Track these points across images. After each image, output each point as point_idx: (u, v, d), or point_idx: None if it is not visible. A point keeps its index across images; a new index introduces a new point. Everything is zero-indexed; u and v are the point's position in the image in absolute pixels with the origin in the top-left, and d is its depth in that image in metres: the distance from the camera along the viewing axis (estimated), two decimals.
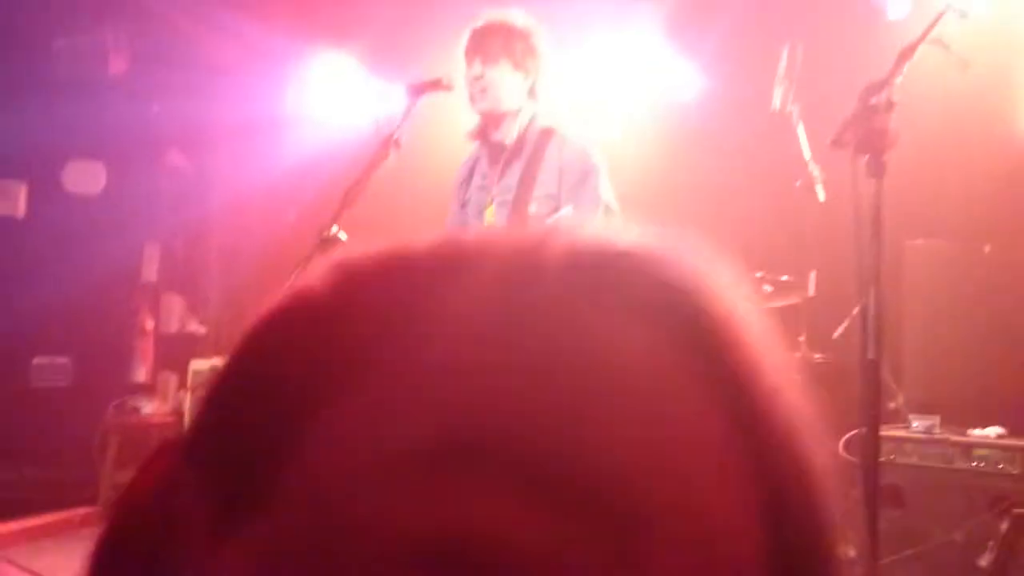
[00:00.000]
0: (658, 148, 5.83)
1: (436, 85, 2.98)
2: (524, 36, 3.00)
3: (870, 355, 1.60)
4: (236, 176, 6.64)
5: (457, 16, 5.51)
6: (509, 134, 2.99)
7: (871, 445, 1.61)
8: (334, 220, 2.74)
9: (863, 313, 1.69)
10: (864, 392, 1.62)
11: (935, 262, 4.45)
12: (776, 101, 4.29)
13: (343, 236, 2.73)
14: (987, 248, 4.51)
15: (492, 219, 2.94)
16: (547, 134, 2.96)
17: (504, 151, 2.99)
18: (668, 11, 5.44)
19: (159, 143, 6.38)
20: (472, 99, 2.97)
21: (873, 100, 1.67)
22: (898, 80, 1.71)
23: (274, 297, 0.39)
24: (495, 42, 2.98)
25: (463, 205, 3.12)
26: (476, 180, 3.09)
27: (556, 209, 2.82)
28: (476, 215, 3.03)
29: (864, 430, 2.69)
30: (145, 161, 6.26)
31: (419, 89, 2.94)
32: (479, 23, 3.03)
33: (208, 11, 5.97)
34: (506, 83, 2.95)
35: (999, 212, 4.83)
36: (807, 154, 4.23)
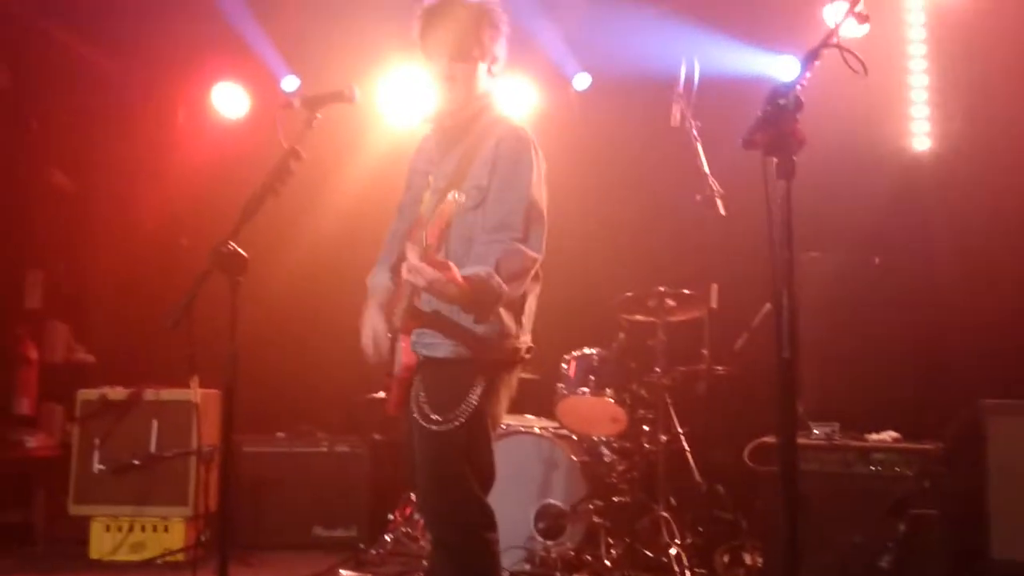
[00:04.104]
0: (557, 167, 5.84)
1: (337, 97, 2.90)
2: (483, 17, 2.79)
3: (785, 354, 1.60)
4: (124, 196, 6.37)
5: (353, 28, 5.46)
6: (458, 118, 2.82)
7: (788, 447, 1.61)
8: (232, 235, 2.63)
9: (776, 314, 1.69)
10: (779, 393, 1.61)
11: (827, 274, 4.57)
12: (675, 117, 4.33)
13: (241, 251, 2.62)
14: (876, 260, 4.66)
15: (427, 206, 2.77)
16: (493, 123, 2.81)
17: (449, 135, 2.84)
18: (566, 27, 5.49)
19: (39, 162, 6.09)
20: (439, 94, 2.79)
21: (781, 101, 1.69)
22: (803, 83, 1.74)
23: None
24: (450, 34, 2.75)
25: (408, 188, 2.96)
26: (420, 163, 2.94)
27: (483, 201, 2.68)
28: (414, 201, 2.87)
29: (774, 438, 2.69)
30: (24, 181, 5.96)
31: (318, 101, 2.86)
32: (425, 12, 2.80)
33: (96, 28, 5.74)
34: (470, 74, 2.78)
35: (888, 224, 5.01)
36: (706, 169, 4.29)
